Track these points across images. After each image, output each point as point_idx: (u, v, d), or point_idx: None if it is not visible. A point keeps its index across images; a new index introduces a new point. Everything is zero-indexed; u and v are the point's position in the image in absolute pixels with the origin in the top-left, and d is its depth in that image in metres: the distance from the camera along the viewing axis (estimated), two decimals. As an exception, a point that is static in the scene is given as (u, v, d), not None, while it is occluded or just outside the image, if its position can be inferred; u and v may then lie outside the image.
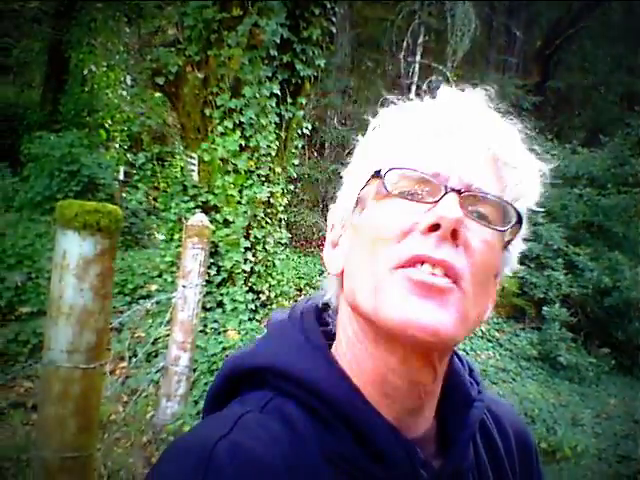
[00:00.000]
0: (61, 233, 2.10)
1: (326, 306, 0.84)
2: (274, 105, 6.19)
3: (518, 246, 0.77)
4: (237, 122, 6.07)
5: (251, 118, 6.12)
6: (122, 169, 8.89)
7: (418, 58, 11.57)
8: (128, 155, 9.24)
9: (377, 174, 0.72)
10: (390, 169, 0.71)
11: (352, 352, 0.75)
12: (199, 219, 4.35)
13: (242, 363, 0.78)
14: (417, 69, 11.52)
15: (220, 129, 6.09)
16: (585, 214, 9.67)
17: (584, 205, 9.78)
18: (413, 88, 11.16)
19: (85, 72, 10.67)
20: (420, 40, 11.79)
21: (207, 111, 6.19)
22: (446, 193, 0.67)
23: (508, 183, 0.72)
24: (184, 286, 4.16)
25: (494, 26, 14.53)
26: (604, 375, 7.84)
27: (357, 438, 0.70)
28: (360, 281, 0.71)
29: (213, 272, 6.01)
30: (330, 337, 0.80)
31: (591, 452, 5.20)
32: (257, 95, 6.11)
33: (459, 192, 0.68)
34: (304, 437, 0.69)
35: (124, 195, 8.58)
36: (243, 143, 6.06)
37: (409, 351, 0.70)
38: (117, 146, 9.89)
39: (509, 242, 0.74)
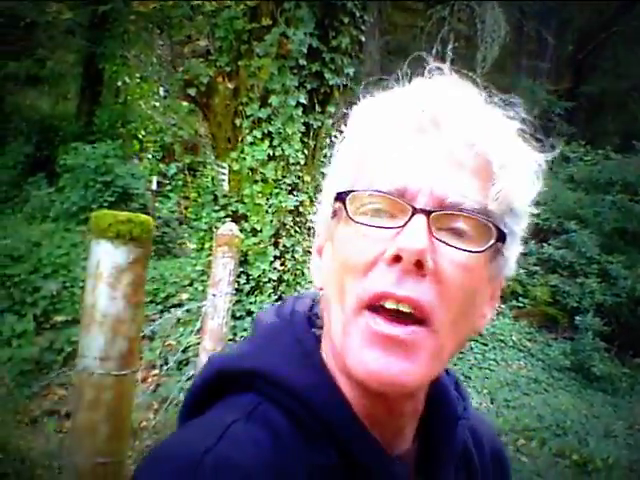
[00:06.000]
0: (95, 242, 2.13)
1: (316, 303, 0.80)
2: (300, 114, 6.23)
3: (515, 249, 0.71)
4: (266, 132, 6.13)
5: (279, 127, 6.17)
6: (155, 179, 9.04)
7: (448, 64, 11.53)
8: (161, 165, 9.37)
9: (339, 197, 0.69)
10: (350, 192, 0.67)
11: (336, 370, 0.71)
12: (229, 228, 4.38)
13: (230, 365, 0.74)
14: (447, 76, 11.49)
15: (249, 139, 6.15)
16: (618, 221, 9.51)
17: (617, 211, 9.62)
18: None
19: (119, 84, 10.87)
20: (450, 47, 11.74)
21: (237, 121, 6.27)
22: (412, 216, 0.63)
23: (494, 189, 0.66)
24: (214, 295, 4.19)
25: (525, 32, 14.41)
26: (638, 386, 7.70)
27: (343, 453, 0.68)
28: (333, 317, 0.69)
29: (243, 281, 6.06)
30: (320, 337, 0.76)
31: (622, 464, 5.12)
32: (284, 104, 6.17)
33: (428, 213, 0.63)
34: (290, 449, 0.66)
35: (157, 205, 8.72)
36: (271, 152, 6.11)
37: (383, 392, 0.66)
38: (150, 157, 10.04)
39: (498, 251, 0.68)
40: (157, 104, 10.82)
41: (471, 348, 7.47)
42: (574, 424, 5.83)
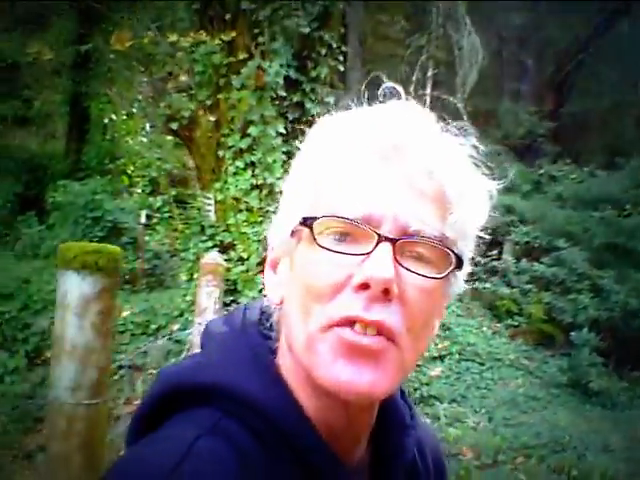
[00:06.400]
0: (61, 274, 2.16)
1: (266, 314, 0.79)
2: (280, 143, 6.32)
3: (465, 269, 0.73)
4: (248, 162, 6.23)
5: (260, 157, 6.26)
6: (144, 213, 9.06)
7: (428, 91, 11.73)
8: (150, 199, 9.42)
9: (306, 222, 0.68)
10: (317, 218, 0.67)
11: (295, 382, 0.72)
12: (213, 257, 4.45)
13: (187, 380, 0.72)
14: (428, 102, 11.67)
15: (232, 169, 6.26)
16: (608, 236, 9.55)
17: (606, 227, 9.67)
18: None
19: (105, 121, 10.98)
20: (429, 73, 11.94)
21: (220, 152, 6.37)
22: (378, 243, 0.64)
23: (452, 219, 0.69)
24: (200, 323, 4.21)
25: (505, 56, 14.66)
26: (638, 399, 7.64)
27: (303, 465, 0.69)
28: (295, 333, 0.69)
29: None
30: (274, 347, 0.77)
31: (621, 478, 5.07)
32: (264, 134, 6.27)
33: (393, 240, 0.65)
34: (253, 463, 0.66)
35: (147, 238, 8.72)
36: (254, 181, 6.19)
37: (347, 403, 0.68)
38: (139, 191, 10.08)
39: (453, 274, 0.71)
40: (144, 139, 10.93)
41: (468, 368, 7.43)
42: (573, 440, 5.74)
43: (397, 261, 0.65)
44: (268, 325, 0.78)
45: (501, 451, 5.34)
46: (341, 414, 0.70)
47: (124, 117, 11.16)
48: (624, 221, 9.58)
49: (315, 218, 0.67)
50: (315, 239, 0.67)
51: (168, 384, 0.73)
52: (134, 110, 10.90)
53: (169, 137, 8.93)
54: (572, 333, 7.97)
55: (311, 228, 0.67)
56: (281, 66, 6.33)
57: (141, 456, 0.64)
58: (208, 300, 4.40)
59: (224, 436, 0.66)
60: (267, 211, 6.27)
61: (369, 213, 0.65)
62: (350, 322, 0.64)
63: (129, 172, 10.40)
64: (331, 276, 0.65)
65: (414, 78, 11.66)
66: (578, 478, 5.10)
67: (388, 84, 0.76)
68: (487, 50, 12.75)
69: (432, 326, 0.72)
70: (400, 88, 0.75)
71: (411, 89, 11.34)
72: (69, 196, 8.63)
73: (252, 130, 6.18)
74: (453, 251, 0.68)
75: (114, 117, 11.05)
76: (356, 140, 0.69)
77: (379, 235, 0.64)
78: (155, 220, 8.67)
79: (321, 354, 0.65)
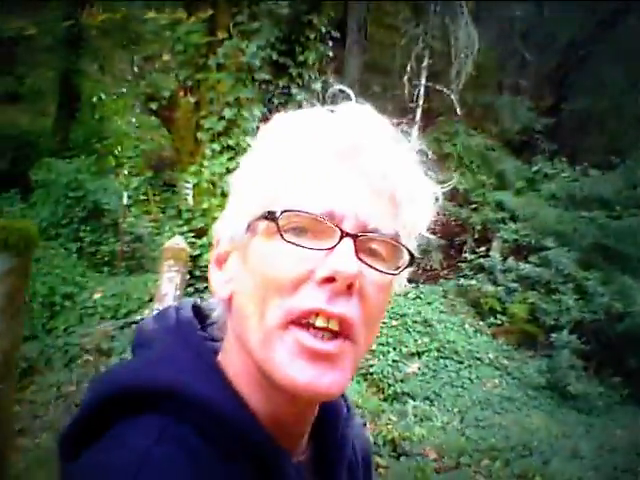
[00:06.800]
0: None
1: (200, 313, 0.81)
2: (257, 127, 6.20)
3: (410, 268, 0.75)
4: (224, 145, 6.11)
5: (236, 141, 6.15)
6: (126, 194, 8.90)
7: (423, 81, 11.57)
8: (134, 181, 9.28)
9: (270, 215, 0.69)
10: (282, 212, 0.67)
11: (243, 379, 0.72)
12: (175, 242, 4.35)
13: (132, 384, 0.70)
14: (422, 92, 11.52)
15: (208, 152, 6.14)
16: (597, 237, 9.44)
17: (596, 228, 9.55)
18: (419, 111, 11.18)
19: (95, 100, 10.84)
20: (425, 63, 11.77)
21: (199, 135, 6.24)
22: (341, 239, 0.66)
23: (404, 219, 0.72)
24: (158, 309, 4.12)
25: (505, 49, 14.45)
26: (615, 405, 7.55)
27: (256, 464, 0.69)
28: (251, 327, 0.69)
29: (206, 296, 5.95)
30: (214, 346, 0.77)
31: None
32: (240, 117, 6.15)
33: (355, 237, 0.66)
34: (207, 467, 0.66)
35: (130, 220, 8.57)
36: (230, 165, 6.08)
37: (297, 399, 0.69)
38: (126, 172, 9.91)
39: (405, 268, 0.73)
40: (133, 119, 10.80)
41: (445, 366, 7.34)
42: (542, 444, 5.65)
43: (358, 257, 0.66)
44: (205, 324, 0.79)
45: (466, 453, 5.25)
46: (290, 410, 0.72)
47: (114, 97, 11.02)
48: (613, 223, 9.46)
49: (280, 212, 0.67)
50: (281, 233, 0.67)
51: (111, 388, 0.71)
52: (123, 90, 10.76)
53: (153, 117, 8.82)
54: (553, 334, 7.88)
55: (276, 222, 0.67)
56: (260, 47, 6.18)
57: (99, 467, 0.64)
58: (169, 285, 4.32)
59: (175, 441, 0.65)
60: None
61: (331, 209, 0.67)
62: (312, 314, 0.65)
63: (116, 153, 10.26)
64: (294, 269, 0.66)
65: (408, 68, 11.51)
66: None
67: (339, 86, 0.77)
68: (486, 42, 12.59)
69: (381, 320, 0.75)
70: (351, 91, 0.76)
71: (405, 79, 11.21)
72: (52, 174, 8.47)
73: (227, 112, 6.05)
74: (406, 247, 0.71)
75: (103, 96, 10.90)
76: (315, 139, 0.71)
77: (342, 231, 0.66)
78: (132, 202, 8.57)
79: (280, 354, 0.66)
